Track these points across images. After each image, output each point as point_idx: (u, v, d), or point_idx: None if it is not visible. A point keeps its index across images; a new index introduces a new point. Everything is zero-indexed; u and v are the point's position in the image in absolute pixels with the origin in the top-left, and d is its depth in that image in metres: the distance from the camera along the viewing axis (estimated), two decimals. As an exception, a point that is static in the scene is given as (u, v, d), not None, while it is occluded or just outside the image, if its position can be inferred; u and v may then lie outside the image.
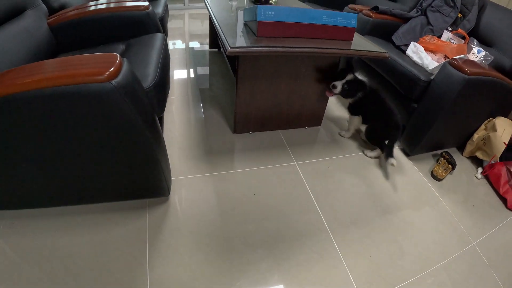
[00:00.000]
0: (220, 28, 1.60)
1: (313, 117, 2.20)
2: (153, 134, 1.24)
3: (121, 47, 1.79)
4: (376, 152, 2.11)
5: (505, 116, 2.36)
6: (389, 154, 2.02)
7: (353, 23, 1.66)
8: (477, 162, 2.34)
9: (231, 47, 1.40)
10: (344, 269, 1.43)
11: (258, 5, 1.50)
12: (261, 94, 1.90)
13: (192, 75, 2.78)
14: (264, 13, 1.51)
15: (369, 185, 1.89)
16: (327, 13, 1.61)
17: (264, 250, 1.45)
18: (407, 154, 2.21)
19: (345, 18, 1.64)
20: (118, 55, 1.10)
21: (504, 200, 2.05)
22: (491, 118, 2.24)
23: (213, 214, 1.56)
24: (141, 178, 1.39)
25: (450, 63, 1.83)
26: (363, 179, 1.92)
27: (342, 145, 2.16)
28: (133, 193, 1.49)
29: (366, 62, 2.48)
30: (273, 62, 1.78)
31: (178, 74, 2.77)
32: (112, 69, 1.01)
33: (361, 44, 1.74)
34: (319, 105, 2.14)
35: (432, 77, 1.95)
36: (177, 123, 2.11)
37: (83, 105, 1.02)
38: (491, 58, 2.15)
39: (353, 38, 1.72)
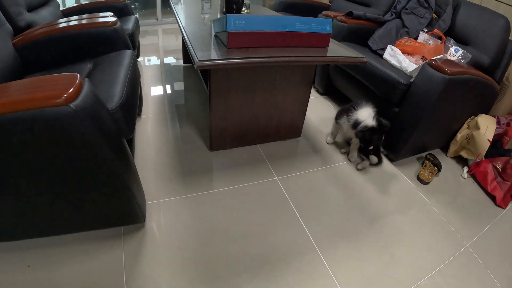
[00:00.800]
0: (190, 41, 1.51)
1: (292, 128, 2.12)
2: (120, 159, 1.14)
3: (89, 65, 1.69)
4: (366, 163, 2.03)
5: (487, 113, 2.33)
6: (380, 161, 2.01)
7: (328, 28, 1.59)
8: (462, 161, 2.30)
9: (199, 61, 1.30)
10: (336, 287, 1.34)
11: (228, 15, 1.42)
12: (236, 108, 1.81)
13: (167, 91, 2.68)
14: (234, 22, 1.43)
15: (355, 195, 1.81)
16: (301, 19, 1.53)
17: (250, 274, 1.34)
18: (391, 159, 2.15)
19: (319, 24, 1.57)
20: (78, 75, 1.00)
21: (492, 198, 2.01)
22: (473, 117, 2.20)
23: (193, 239, 1.45)
24: (112, 206, 1.28)
25: (430, 64, 1.79)
26: (348, 189, 1.84)
27: (324, 156, 2.08)
28: (105, 222, 1.38)
29: (343, 69, 2.43)
30: (247, 74, 1.70)
31: (153, 91, 2.66)
32: (71, 90, 0.92)
33: (338, 50, 1.68)
34: (298, 115, 2.06)
35: (411, 80, 1.90)
36: (152, 143, 2.00)
37: (41, 131, 0.92)
38: (469, 56, 2.12)
39: (329, 45, 1.65)
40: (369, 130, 1.82)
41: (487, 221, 1.82)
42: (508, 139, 2.36)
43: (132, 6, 4.90)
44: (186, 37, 1.57)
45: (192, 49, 1.40)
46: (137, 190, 1.32)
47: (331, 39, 1.67)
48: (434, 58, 1.84)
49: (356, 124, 1.86)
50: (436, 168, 2.07)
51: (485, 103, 2.28)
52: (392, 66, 2.12)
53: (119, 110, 1.26)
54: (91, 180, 1.13)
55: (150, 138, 2.04)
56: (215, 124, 1.82)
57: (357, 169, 2.00)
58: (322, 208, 1.69)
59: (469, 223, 1.77)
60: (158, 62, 3.29)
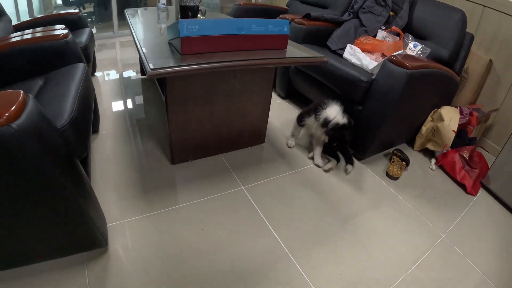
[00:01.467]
0: (142, 50, 1.42)
1: (256, 134, 2.05)
2: (73, 181, 1.04)
3: (40, 82, 1.56)
4: (333, 163, 2.00)
5: (449, 104, 2.36)
6: (350, 161, 1.97)
7: (286, 30, 1.55)
8: (429, 153, 2.31)
9: (151, 69, 1.22)
10: (314, 295, 1.28)
11: (180, 20, 1.35)
12: (195, 118, 1.73)
13: (127, 105, 2.56)
14: (187, 28, 1.36)
15: (325, 197, 1.77)
16: (257, 21, 1.48)
17: (224, 291, 1.27)
18: (359, 158, 2.13)
19: (276, 25, 1.52)
20: (21, 92, 0.91)
21: (462, 186, 2.04)
22: (436, 109, 2.22)
23: (161, 259, 1.35)
24: (69, 232, 1.18)
25: (390, 60, 1.78)
26: (317, 192, 1.80)
27: (290, 160, 2.03)
28: (65, 249, 1.26)
29: (303, 71, 2.40)
30: (204, 82, 1.63)
31: (113, 106, 2.53)
32: (12, 109, 0.82)
33: (297, 51, 1.64)
34: (260, 121, 2.00)
35: (373, 77, 1.88)
36: (111, 161, 1.87)
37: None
38: (428, 50, 2.13)
39: (288, 46, 1.61)
40: (341, 127, 1.81)
41: (460, 210, 1.83)
42: (472, 128, 2.39)
43: (89, 19, 4.77)
44: (139, 47, 1.48)
45: (144, 58, 1.32)
46: (95, 212, 1.22)
47: (289, 40, 1.64)
48: (394, 54, 1.84)
49: (326, 122, 1.84)
50: (404, 162, 2.07)
51: (447, 95, 2.31)
52: (353, 65, 2.11)
53: (69, 127, 1.16)
54: (42, 206, 1.02)
55: (110, 155, 1.92)
56: (174, 136, 1.73)
57: (325, 171, 1.96)
58: (292, 214, 1.64)
59: (443, 213, 1.78)
60: (117, 76, 3.14)
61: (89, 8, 4.89)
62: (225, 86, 1.69)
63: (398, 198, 1.85)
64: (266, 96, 1.89)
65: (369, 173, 2.02)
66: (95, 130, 2.04)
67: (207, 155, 1.92)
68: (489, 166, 2.23)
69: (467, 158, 2.15)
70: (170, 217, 1.54)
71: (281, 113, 2.58)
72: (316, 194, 1.78)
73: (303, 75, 2.41)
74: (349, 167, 1.94)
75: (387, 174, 2.01)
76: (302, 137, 2.22)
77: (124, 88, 2.88)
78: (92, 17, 4.89)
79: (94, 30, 4.56)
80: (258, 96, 1.86)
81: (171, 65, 1.29)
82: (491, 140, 2.63)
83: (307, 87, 2.45)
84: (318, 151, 2.01)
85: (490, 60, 2.49)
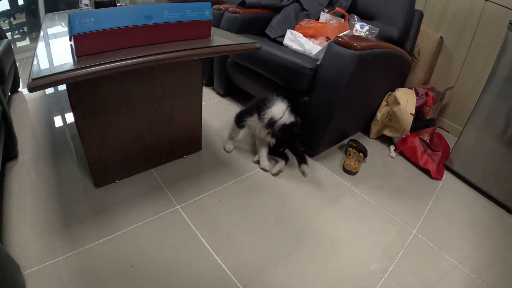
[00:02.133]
0: (37, 57, 1.09)
1: (190, 142, 1.73)
2: None
3: None
4: (281, 165, 1.73)
5: (403, 86, 2.17)
6: (303, 160, 1.68)
7: (208, 14, 1.26)
8: (387, 140, 2.13)
9: (32, 80, 0.89)
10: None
11: (70, 13, 1.04)
12: (113, 132, 1.39)
13: (56, 123, 2.14)
14: (80, 22, 1.04)
15: (276, 205, 1.50)
16: (171, 7, 1.18)
17: None
18: (311, 155, 1.86)
19: (195, 10, 1.23)
20: None
21: (426, 172, 1.89)
22: (390, 92, 2.02)
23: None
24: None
25: (336, 42, 1.54)
26: (266, 200, 1.52)
27: (232, 167, 1.73)
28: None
29: (241, 64, 2.10)
30: (117, 87, 1.30)
31: (37, 125, 2.09)
32: None
33: (223, 39, 1.36)
34: (193, 125, 1.68)
35: (318, 63, 1.64)
36: (31, 190, 1.49)
37: None
38: (376, 30, 1.91)
39: (212, 34, 1.32)
40: (289, 126, 1.56)
41: (427, 198, 1.69)
42: (428, 108, 2.21)
43: (20, 30, 4.29)
44: (35, 53, 1.15)
45: (32, 66, 1.00)
46: (5, 260, 0.91)
47: (216, 29, 1.36)
48: (340, 35, 1.60)
49: (271, 123, 1.57)
50: (361, 154, 1.85)
51: (400, 76, 2.12)
52: (295, 52, 1.86)
53: None
54: None
55: (28, 183, 1.53)
56: (91, 156, 1.39)
57: (273, 174, 1.69)
58: (239, 230, 1.35)
59: (409, 205, 1.61)
60: (45, 91, 2.71)
61: (22, 19, 4.40)
62: (143, 90, 1.37)
63: (359, 194, 1.63)
64: (195, 96, 1.59)
65: (324, 171, 1.77)
66: (13, 156, 1.66)
67: (136, 172, 1.58)
68: (450, 147, 2.07)
69: (428, 141, 1.96)
70: (94, 255, 1.20)
71: (221, 113, 2.26)
72: (266, 203, 1.51)
73: (242, 68, 2.12)
74: (304, 167, 1.66)
75: (344, 169, 1.77)
76: (245, 137, 1.94)
77: (52, 104, 2.45)
78: (24, 27, 4.38)
79: (27, 41, 4.16)
80: (186, 98, 1.55)
81: (58, 71, 0.96)
82: (448, 119, 2.48)
83: (247, 81, 2.17)
84: (263, 153, 1.74)
85: (441, 37, 2.34)
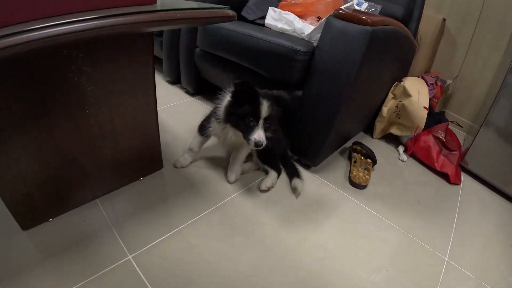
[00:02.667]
0: None
1: (145, 159, 1.22)
2: None
3: None
4: (273, 178, 1.29)
5: (405, 75, 1.79)
6: (295, 173, 1.30)
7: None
8: (393, 140, 1.74)
9: None
10: None
11: None
12: (30, 154, 0.89)
13: None
14: None
15: (266, 243, 1.06)
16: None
17: None
18: (307, 166, 1.42)
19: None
20: None
21: (443, 175, 1.54)
22: (397, 82, 1.62)
23: None
24: None
25: (339, 16, 1.11)
26: (251, 238, 1.07)
27: (203, 191, 1.24)
28: None
29: (213, 53, 1.60)
30: (26, 88, 0.80)
31: None
32: None
33: (173, 3, 0.89)
34: (147, 137, 1.18)
35: (314, 44, 1.21)
36: None
37: None
38: (378, 7, 1.47)
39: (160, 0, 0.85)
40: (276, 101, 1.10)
41: (451, 211, 1.34)
42: (436, 100, 1.83)
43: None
44: None
45: None
46: None
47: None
48: (342, 7, 1.18)
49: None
50: (369, 159, 1.45)
51: (405, 63, 1.72)
52: (281, 33, 1.41)
53: None
54: None
55: None
56: (7, 191, 0.90)
57: (261, 190, 1.25)
58: None
59: (435, 223, 1.25)
60: None
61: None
62: (66, 91, 0.88)
63: (375, 216, 1.21)
64: (146, 97, 1.09)
65: (327, 187, 1.34)
66: None
67: (75, 205, 1.10)
68: (461, 143, 1.76)
69: (444, 139, 1.58)
70: None
71: (191, 117, 1.73)
72: (250, 239, 1.06)
73: (214, 59, 1.63)
74: (297, 182, 1.25)
75: (352, 182, 1.35)
76: (215, 147, 1.47)
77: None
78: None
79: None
80: (131, 99, 1.05)
81: None
82: (453, 111, 2.13)
83: (221, 75, 1.68)
84: (237, 161, 1.29)
85: (443, 19, 1.97)
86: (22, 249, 0.94)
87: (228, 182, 1.27)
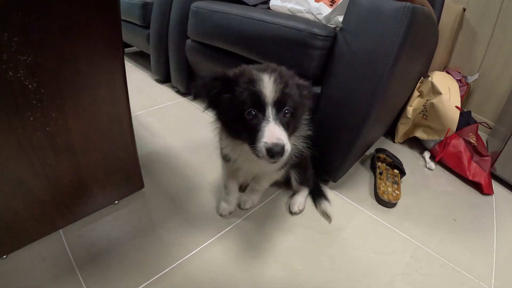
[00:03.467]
0: None
1: (120, 176, 0.91)
2: None
3: None
4: (304, 198, 1.00)
5: (427, 70, 1.52)
6: (321, 193, 1.01)
7: None
8: (417, 145, 1.47)
9: None
10: None
11: None
12: None
13: None
14: None
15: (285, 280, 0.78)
16: None
17: None
18: (325, 180, 1.12)
19: None
20: None
21: (473, 184, 1.28)
22: (422, 78, 1.34)
23: None
24: None
25: (367, -11, 0.82)
26: (261, 282, 0.78)
27: (195, 217, 0.93)
28: None
29: (207, 44, 1.30)
30: None
31: None
32: None
33: None
34: (119, 147, 0.86)
35: (336, 28, 0.93)
36: None
37: None
38: None
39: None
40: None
41: (489, 229, 1.08)
42: (461, 99, 1.57)
43: None
44: None
45: None
46: None
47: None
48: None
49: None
50: (396, 170, 1.17)
51: (430, 55, 1.43)
52: (292, 15, 1.10)
53: None
54: None
55: None
56: None
57: (294, 213, 0.96)
58: None
59: (474, 246, 1.00)
60: None
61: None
62: None
63: (409, 241, 0.94)
64: (114, 94, 0.77)
65: (350, 206, 1.04)
66: None
67: (33, 238, 0.80)
68: (486, 145, 1.53)
69: (475, 144, 1.30)
70: None
71: (182, 120, 1.44)
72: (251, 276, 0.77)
73: (208, 51, 1.32)
74: (326, 206, 0.97)
75: (379, 199, 1.06)
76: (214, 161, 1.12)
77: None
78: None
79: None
80: (93, 98, 0.73)
81: None
82: (474, 111, 1.84)
83: (216, 70, 1.31)
84: (256, 192, 0.95)
85: (463, 9, 1.71)
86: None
87: (238, 207, 0.95)
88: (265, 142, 0.58)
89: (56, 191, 0.76)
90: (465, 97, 1.76)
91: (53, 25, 0.59)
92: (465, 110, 1.73)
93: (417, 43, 0.97)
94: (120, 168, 0.88)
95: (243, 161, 0.76)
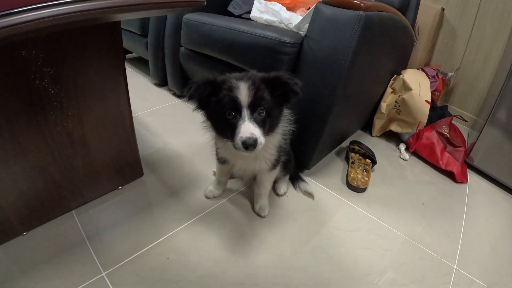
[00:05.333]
0: None
1: (123, 166, 1.11)
2: None
3: None
4: (286, 182, 1.21)
5: (405, 68, 1.68)
6: (298, 176, 1.21)
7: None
8: (394, 137, 1.64)
9: None
10: None
11: None
12: None
13: None
14: None
15: (257, 256, 0.96)
16: None
17: None
18: (300, 168, 1.30)
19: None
20: None
21: (448, 174, 1.44)
22: (395, 76, 1.52)
23: None
24: None
25: (328, 1, 1.01)
26: (237, 248, 0.97)
27: (188, 197, 1.14)
28: None
29: (198, 51, 1.50)
30: None
31: None
32: None
33: None
34: (123, 140, 1.07)
35: (303, 34, 1.10)
36: None
37: None
38: None
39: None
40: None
41: (459, 214, 1.22)
42: (438, 94, 1.74)
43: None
44: None
45: None
46: None
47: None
48: (329, -7, 1.09)
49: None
50: (368, 160, 1.35)
51: (404, 55, 1.62)
52: (268, 25, 1.31)
53: None
54: None
55: None
56: None
57: (280, 195, 1.16)
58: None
59: (442, 228, 1.14)
60: None
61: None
62: (27, 97, 0.78)
63: (376, 222, 1.11)
64: (118, 96, 0.98)
65: (322, 191, 1.22)
66: None
67: (50, 218, 1.00)
68: (466, 139, 1.68)
69: (448, 135, 1.48)
70: None
71: (177, 120, 1.65)
72: (238, 256, 0.95)
73: (199, 58, 1.53)
74: (305, 186, 1.18)
75: (349, 185, 1.24)
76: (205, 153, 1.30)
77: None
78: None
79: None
80: (102, 100, 0.95)
81: None
82: (455, 105, 2.03)
83: (206, 74, 1.48)
84: (263, 195, 1.11)
85: (442, 9, 1.88)
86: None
87: (260, 216, 1.09)
88: (241, 136, 0.74)
89: (71, 177, 0.97)
90: (445, 93, 1.93)
91: (70, 44, 0.79)
92: (441, 104, 1.92)
93: (377, 44, 1.15)
94: (123, 158, 1.09)
95: (237, 159, 0.94)
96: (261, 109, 0.77)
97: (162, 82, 1.93)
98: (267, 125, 0.80)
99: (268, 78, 0.79)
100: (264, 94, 0.78)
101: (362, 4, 0.94)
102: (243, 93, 0.75)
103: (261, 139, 0.75)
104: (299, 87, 0.78)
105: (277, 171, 1.02)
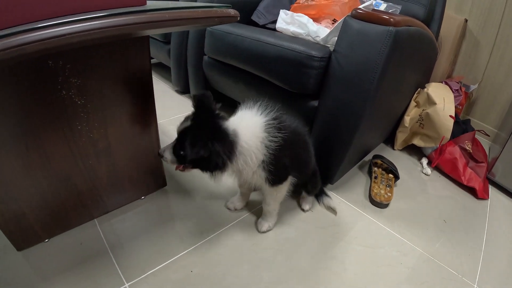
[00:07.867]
0: None
1: (146, 176, 1.09)
2: None
3: None
4: (312, 199, 1.16)
5: (427, 81, 1.62)
6: (322, 191, 1.17)
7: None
8: (416, 151, 1.57)
9: None
10: None
11: None
12: (20, 175, 0.77)
13: None
14: None
15: (280, 271, 0.92)
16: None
17: None
18: (323, 183, 1.23)
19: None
20: None
21: (469, 189, 1.37)
22: (419, 89, 1.46)
23: None
24: None
25: (357, 16, 0.96)
26: (261, 263, 0.93)
27: (212, 210, 1.10)
28: None
29: (222, 61, 1.46)
30: (6, 107, 0.68)
31: None
32: None
33: (165, 3, 0.74)
34: (148, 150, 1.03)
35: (331, 49, 1.06)
36: None
37: None
38: (398, 8, 1.34)
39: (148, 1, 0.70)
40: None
41: (479, 231, 1.17)
42: (461, 108, 1.67)
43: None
44: None
45: None
46: None
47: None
48: (359, 7, 1.04)
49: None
50: (391, 175, 1.30)
51: (428, 68, 1.56)
52: (294, 37, 1.27)
53: None
54: None
55: None
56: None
57: (305, 211, 1.13)
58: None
59: (462, 246, 1.09)
60: None
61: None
62: (54, 107, 0.76)
63: (398, 239, 1.06)
64: (144, 107, 0.96)
65: (345, 206, 1.18)
66: None
67: (72, 226, 0.98)
68: (487, 153, 1.61)
69: (471, 151, 1.42)
70: None
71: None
72: (261, 271, 0.91)
73: (222, 67, 1.49)
74: (329, 201, 1.14)
75: (372, 200, 1.19)
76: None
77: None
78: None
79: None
80: (128, 111, 0.92)
81: None
82: (477, 118, 1.95)
83: (230, 84, 1.52)
84: (269, 212, 1.05)
85: (465, 20, 1.80)
86: (16, 271, 0.84)
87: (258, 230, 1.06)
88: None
89: (94, 186, 0.94)
90: (467, 106, 1.86)
91: (97, 53, 0.76)
92: (466, 118, 1.85)
93: (405, 59, 1.10)
94: (147, 168, 1.07)
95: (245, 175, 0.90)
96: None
97: (184, 90, 1.91)
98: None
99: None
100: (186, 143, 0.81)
101: (391, 20, 0.89)
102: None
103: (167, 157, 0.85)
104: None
105: (282, 189, 0.95)
